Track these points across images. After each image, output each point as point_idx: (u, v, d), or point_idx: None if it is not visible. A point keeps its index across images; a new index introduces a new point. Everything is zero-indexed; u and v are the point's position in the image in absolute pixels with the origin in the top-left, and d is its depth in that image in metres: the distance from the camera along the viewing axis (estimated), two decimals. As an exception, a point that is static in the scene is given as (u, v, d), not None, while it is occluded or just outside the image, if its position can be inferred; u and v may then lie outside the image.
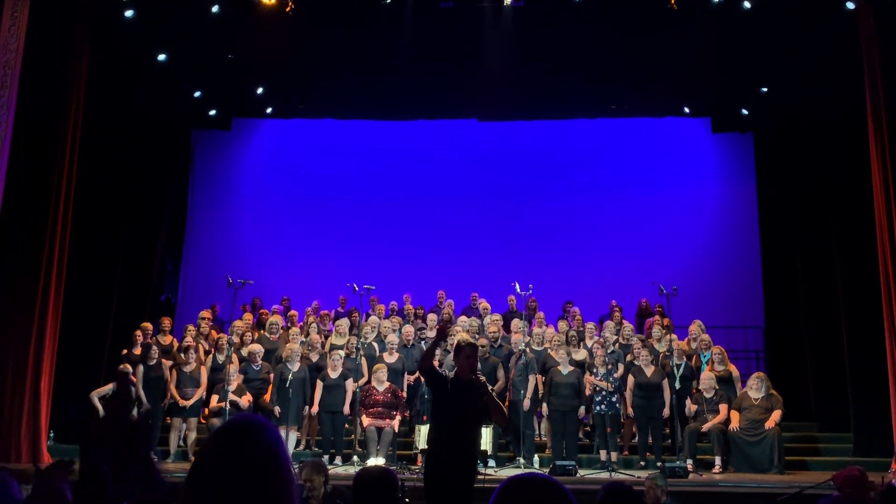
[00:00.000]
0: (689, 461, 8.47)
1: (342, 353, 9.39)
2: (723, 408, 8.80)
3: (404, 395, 9.26)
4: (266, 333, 10.27)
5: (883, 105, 8.36)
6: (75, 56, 9.18)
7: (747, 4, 9.78)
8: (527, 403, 8.84)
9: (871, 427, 8.89)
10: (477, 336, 9.73)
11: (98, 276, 10.40)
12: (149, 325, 10.15)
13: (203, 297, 12.50)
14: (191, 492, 1.38)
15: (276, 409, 8.91)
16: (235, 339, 9.98)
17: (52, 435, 9.17)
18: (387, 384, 9.07)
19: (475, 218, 13.54)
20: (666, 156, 13.65)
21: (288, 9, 10.06)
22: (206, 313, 10.91)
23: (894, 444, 8.15)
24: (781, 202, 11.83)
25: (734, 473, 8.37)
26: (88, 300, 10.13)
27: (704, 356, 9.55)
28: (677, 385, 9.03)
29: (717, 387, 8.99)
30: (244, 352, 9.75)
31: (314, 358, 9.56)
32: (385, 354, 9.55)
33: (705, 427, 8.70)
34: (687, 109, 13.08)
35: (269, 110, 13.52)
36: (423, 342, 9.89)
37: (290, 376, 8.97)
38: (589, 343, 9.85)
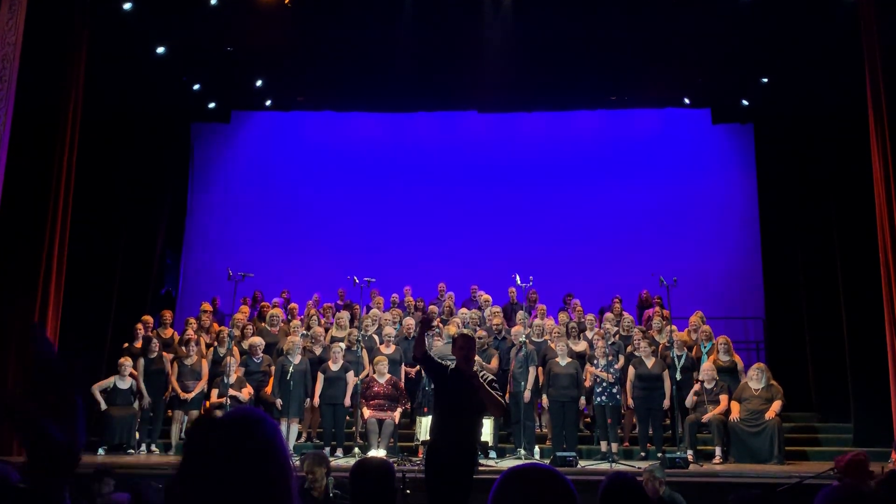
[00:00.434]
0: (690, 452, 8.48)
1: (343, 345, 9.40)
2: (723, 398, 8.81)
3: (404, 385, 9.29)
4: (266, 326, 10.28)
5: (883, 95, 8.34)
6: (74, 49, 9.16)
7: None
8: (527, 395, 8.86)
9: (871, 417, 8.91)
10: (477, 328, 9.76)
11: (98, 269, 10.41)
12: (149, 319, 10.17)
13: (203, 290, 12.50)
14: (186, 484, 1.38)
15: (278, 402, 8.94)
16: (236, 332, 9.99)
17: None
18: (387, 376, 9.09)
19: (475, 210, 13.53)
20: (666, 147, 13.63)
21: (287, 0, 10.03)
22: (207, 306, 10.92)
23: (894, 433, 8.17)
24: (782, 193, 11.82)
25: (734, 464, 8.39)
26: (89, 293, 10.14)
27: (705, 347, 9.55)
28: (678, 376, 9.04)
29: (718, 377, 9.01)
30: (245, 345, 9.76)
31: (317, 351, 9.57)
32: (382, 346, 9.57)
33: (705, 418, 8.72)
34: (687, 100, 13.05)
35: (268, 103, 13.49)
36: (427, 335, 9.88)
37: (291, 369, 8.99)
38: (589, 335, 9.85)
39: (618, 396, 8.87)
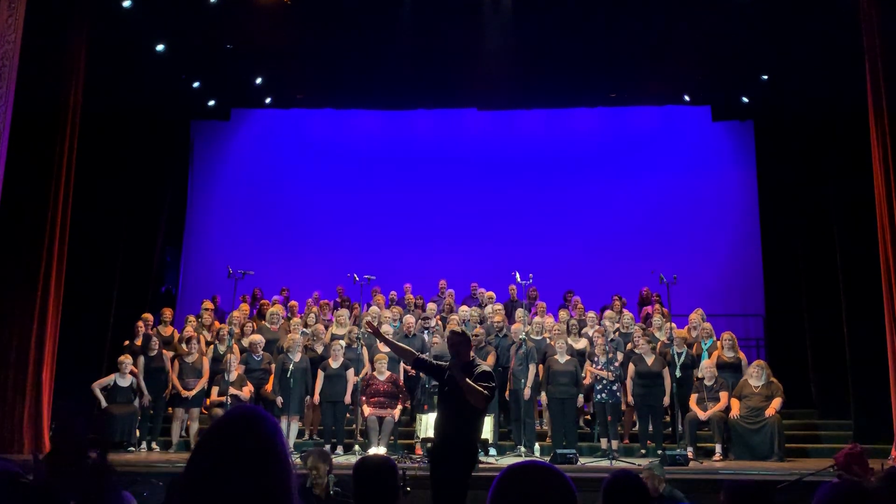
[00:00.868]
0: (690, 449, 8.50)
1: (343, 342, 9.41)
2: (723, 395, 8.82)
3: (404, 383, 9.29)
4: (266, 324, 10.28)
5: (884, 93, 8.32)
6: (73, 47, 9.15)
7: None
8: (527, 392, 8.86)
9: (871, 414, 8.91)
10: (477, 325, 9.77)
11: (99, 267, 10.42)
12: (149, 316, 10.17)
13: (203, 287, 12.50)
14: (189, 483, 1.39)
15: (279, 400, 8.94)
16: (236, 330, 9.99)
17: (53, 426, 9.19)
18: (387, 374, 9.10)
19: (475, 207, 13.53)
20: (666, 144, 13.62)
21: (286, -2, 10.03)
22: (208, 304, 10.93)
23: (894, 430, 8.17)
24: (782, 190, 11.82)
25: (734, 461, 8.40)
26: (89, 291, 10.15)
27: (705, 344, 9.56)
28: (678, 373, 9.05)
29: (721, 373, 9.01)
30: (245, 342, 9.77)
31: (318, 349, 9.57)
32: (381, 344, 9.57)
33: (705, 415, 8.72)
34: (687, 98, 13.04)
35: (267, 100, 13.48)
36: (425, 332, 9.88)
37: (291, 367, 8.99)
38: (590, 332, 9.86)
39: (618, 394, 8.87)
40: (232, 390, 8.97)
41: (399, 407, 9.05)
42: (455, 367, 5.15)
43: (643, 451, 8.92)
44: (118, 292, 10.73)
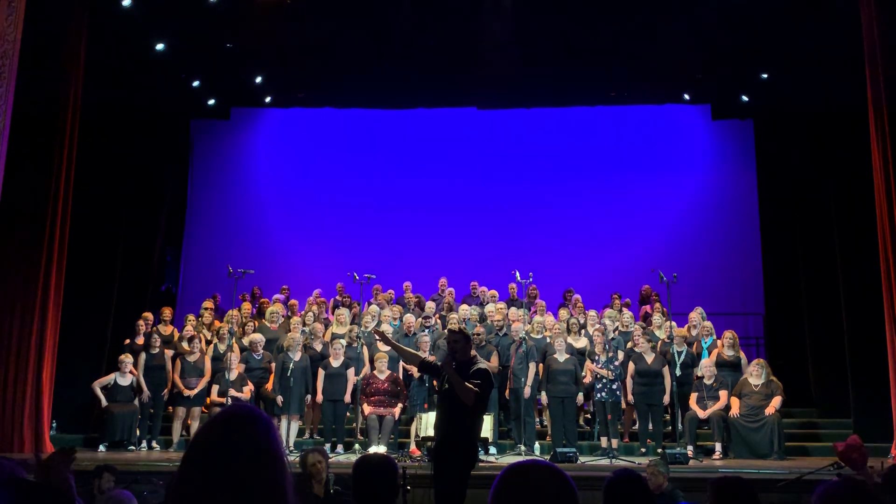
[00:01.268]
0: (690, 447, 8.50)
1: (343, 341, 9.41)
2: (723, 394, 8.82)
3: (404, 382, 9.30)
4: (266, 323, 10.28)
5: (883, 91, 8.32)
6: (73, 46, 9.15)
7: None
8: (527, 391, 8.86)
9: (871, 412, 8.91)
10: (477, 324, 9.77)
11: (99, 266, 10.41)
12: (150, 315, 10.18)
13: (203, 286, 12.50)
14: (183, 482, 1.39)
15: (279, 399, 8.94)
16: (236, 329, 9.99)
17: (54, 424, 9.21)
18: (387, 373, 9.10)
19: (475, 206, 13.52)
20: (666, 143, 13.62)
21: (286, -3, 10.02)
22: (208, 303, 10.92)
23: (894, 429, 8.18)
24: (781, 189, 11.82)
25: (734, 459, 8.40)
26: (89, 290, 10.15)
27: (705, 343, 9.56)
28: (678, 372, 9.05)
29: (720, 372, 9.02)
30: (245, 341, 9.77)
31: (318, 347, 9.57)
32: (379, 343, 9.57)
33: (705, 413, 8.73)
34: (687, 96, 13.05)
35: (268, 99, 13.48)
36: (426, 330, 9.87)
37: (291, 365, 8.99)
38: (590, 330, 9.86)
39: (618, 392, 8.87)
40: (232, 392, 8.96)
41: (399, 405, 9.05)
42: (447, 365, 5.16)
43: (643, 450, 8.92)
44: (118, 291, 10.72)
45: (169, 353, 9.51)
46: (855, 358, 9.39)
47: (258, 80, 12.60)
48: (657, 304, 10.87)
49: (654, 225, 13.18)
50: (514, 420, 9.04)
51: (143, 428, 9.22)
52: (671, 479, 5.60)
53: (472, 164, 13.74)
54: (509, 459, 8.14)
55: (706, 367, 8.98)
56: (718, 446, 8.64)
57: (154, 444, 9.27)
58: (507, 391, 9.20)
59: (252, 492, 1.36)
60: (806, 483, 6.04)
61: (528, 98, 13.18)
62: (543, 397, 9.04)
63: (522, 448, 8.70)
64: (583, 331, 9.98)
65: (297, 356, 9.10)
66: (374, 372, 9.11)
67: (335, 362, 9.15)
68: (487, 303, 10.89)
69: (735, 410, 8.67)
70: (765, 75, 11.75)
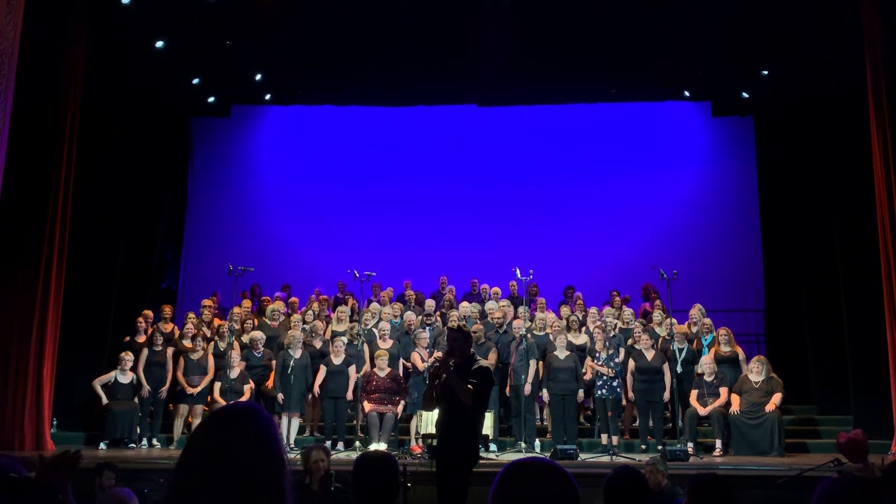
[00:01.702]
0: (690, 444, 8.50)
1: (345, 339, 9.42)
2: (723, 391, 8.82)
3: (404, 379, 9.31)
4: (267, 320, 10.29)
5: (884, 87, 8.31)
6: (73, 43, 9.14)
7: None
8: (528, 388, 8.87)
9: (871, 409, 8.91)
10: (477, 321, 9.77)
11: (99, 264, 10.41)
12: (150, 313, 10.18)
13: (204, 284, 12.51)
14: (183, 478, 1.38)
15: (279, 396, 8.95)
16: (236, 326, 10.00)
17: (55, 422, 9.21)
18: (388, 370, 9.10)
19: (475, 203, 13.52)
20: (666, 140, 13.62)
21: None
22: (208, 302, 10.92)
23: (894, 425, 8.18)
24: (782, 185, 11.80)
25: (735, 456, 8.41)
26: (90, 288, 10.14)
27: (706, 340, 9.56)
28: (679, 369, 9.06)
29: (719, 368, 9.02)
30: (245, 339, 9.77)
31: (318, 345, 9.58)
32: (379, 341, 9.58)
33: (705, 410, 8.73)
34: (687, 93, 13.03)
35: (267, 97, 13.47)
36: (427, 328, 9.87)
37: (291, 363, 9.00)
38: (591, 327, 9.86)
39: (618, 389, 8.87)
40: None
41: (400, 403, 9.06)
42: (445, 364, 5.16)
43: (643, 447, 8.93)
44: (118, 289, 10.72)
45: (169, 350, 9.52)
46: (855, 354, 9.39)
47: (258, 77, 12.59)
48: (657, 301, 10.87)
49: (655, 222, 13.18)
50: (515, 417, 9.05)
51: (143, 426, 9.23)
52: (671, 476, 5.61)
53: (473, 161, 13.74)
54: (510, 456, 8.15)
55: (706, 364, 8.98)
56: (719, 443, 8.65)
57: (154, 441, 9.27)
58: (508, 388, 9.20)
59: (252, 488, 1.36)
60: (806, 480, 6.04)
61: (528, 95, 13.16)
62: (544, 394, 9.04)
63: (523, 445, 8.71)
64: (583, 328, 9.99)
65: (297, 354, 9.10)
66: (375, 369, 9.12)
67: (336, 359, 9.16)
68: (488, 300, 10.89)
69: (735, 407, 8.67)
70: (765, 72, 11.73)
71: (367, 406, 8.87)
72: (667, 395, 8.96)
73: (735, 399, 8.76)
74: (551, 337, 9.28)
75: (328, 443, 8.76)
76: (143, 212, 11.54)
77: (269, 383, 9.24)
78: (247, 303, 11.09)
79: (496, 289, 11.32)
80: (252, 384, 9.16)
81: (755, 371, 8.86)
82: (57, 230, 8.85)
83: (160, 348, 9.41)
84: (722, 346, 9.31)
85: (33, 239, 8.66)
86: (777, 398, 8.63)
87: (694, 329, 9.85)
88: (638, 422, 9.31)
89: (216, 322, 10.47)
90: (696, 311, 10.01)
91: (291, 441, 8.90)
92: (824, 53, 10.14)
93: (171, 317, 10.42)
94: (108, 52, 10.14)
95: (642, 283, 11.97)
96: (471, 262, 12.74)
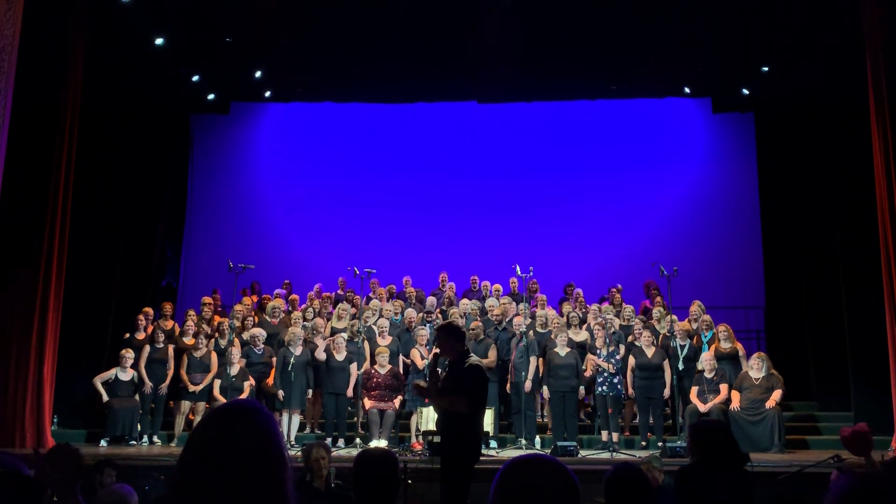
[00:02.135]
0: (690, 441, 8.49)
1: (345, 335, 9.42)
2: (723, 388, 8.83)
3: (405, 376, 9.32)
4: (267, 317, 10.29)
5: (885, 84, 8.31)
6: (72, 41, 9.13)
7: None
8: (528, 385, 8.87)
9: (872, 406, 8.92)
10: (477, 318, 9.77)
11: (99, 261, 10.41)
12: (150, 310, 10.18)
13: (204, 281, 12.50)
14: (183, 475, 1.38)
15: (280, 393, 8.96)
16: (237, 324, 10.00)
17: (56, 419, 9.22)
18: (388, 367, 9.11)
19: (476, 200, 13.52)
20: (667, 136, 13.61)
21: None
22: (208, 299, 10.93)
23: (894, 422, 8.19)
24: (782, 182, 11.80)
25: (735, 453, 8.39)
26: (90, 285, 10.15)
27: (705, 336, 9.56)
28: (680, 366, 9.06)
29: (719, 365, 9.02)
30: (246, 336, 9.78)
31: (318, 342, 9.59)
32: (378, 338, 9.59)
33: (706, 407, 8.73)
34: (687, 90, 13.00)
35: (267, 94, 13.45)
36: (427, 325, 9.88)
37: (292, 360, 9.01)
38: (592, 324, 9.86)
39: (619, 386, 8.88)
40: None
41: (400, 399, 9.07)
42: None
43: (644, 444, 8.94)
44: (119, 286, 10.73)
45: (171, 347, 9.53)
46: (855, 351, 9.40)
47: (258, 74, 12.57)
48: (658, 298, 10.87)
49: (655, 218, 13.18)
50: (515, 414, 9.05)
51: (144, 423, 9.24)
52: (671, 472, 5.61)
53: (473, 158, 13.73)
54: (510, 453, 8.17)
55: (706, 361, 8.98)
56: (719, 440, 8.64)
57: (155, 438, 9.29)
58: (508, 385, 9.21)
59: (253, 485, 1.36)
60: (806, 476, 6.05)
61: (528, 92, 13.14)
62: (545, 391, 9.05)
63: (523, 442, 8.71)
64: (584, 325, 9.99)
65: (297, 351, 9.11)
66: (375, 366, 9.13)
67: (338, 356, 9.16)
68: (489, 297, 10.89)
69: (735, 404, 8.67)
70: (766, 68, 11.71)
71: (368, 403, 8.88)
72: (667, 392, 8.97)
73: (735, 395, 8.76)
74: (552, 334, 9.29)
75: (328, 440, 8.77)
76: (143, 209, 11.54)
77: (270, 380, 9.25)
78: (247, 299, 11.09)
79: (496, 286, 11.31)
80: (252, 381, 9.16)
81: (755, 368, 8.86)
82: (57, 227, 8.84)
83: (162, 345, 9.42)
84: (722, 342, 9.31)
85: (33, 236, 8.66)
86: (777, 395, 8.64)
87: (694, 325, 9.85)
88: (638, 418, 9.32)
89: (216, 319, 10.47)
90: (695, 307, 10.01)
91: (292, 438, 8.91)
92: (825, 50, 10.13)
93: (171, 314, 10.42)
94: (108, 50, 10.13)
95: (643, 279, 11.96)
96: (471, 259, 12.73)
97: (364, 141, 13.92)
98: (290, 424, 8.96)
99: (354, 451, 8.13)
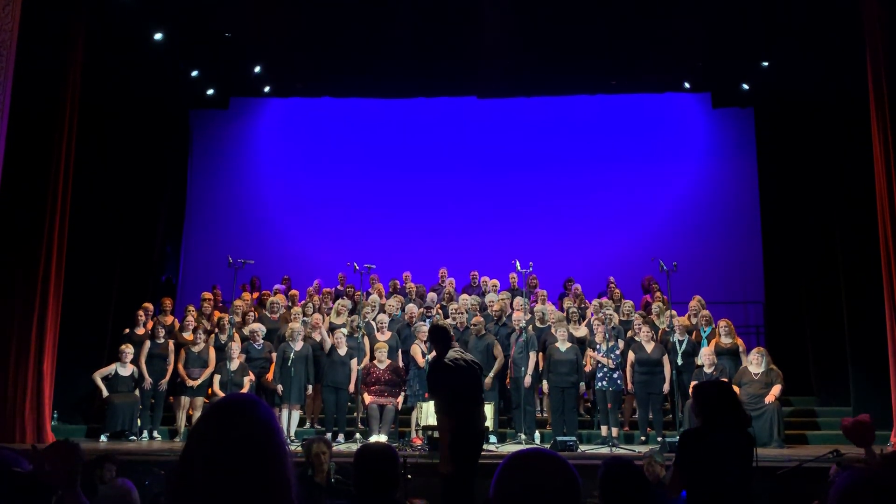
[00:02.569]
0: (690, 436, 8.50)
1: (345, 331, 9.42)
2: (723, 383, 8.82)
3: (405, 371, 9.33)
4: (267, 313, 10.29)
5: (884, 80, 8.30)
6: (71, 36, 9.11)
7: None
8: (528, 380, 8.88)
9: (871, 401, 8.92)
10: (476, 314, 9.77)
11: (99, 257, 10.41)
12: (150, 306, 10.18)
13: (203, 277, 12.49)
14: (184, 470, 1.38)
15: (279, 388, 8.96)
16: (237, 319, 10.00)
17: (56, 415, 9.23)
18: (388, 362, 9.12)
19: (475, 195, 13.51)
20: (666, 131, 13.59)
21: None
22: (207, 295, 10.93)
23: (893, 417, 8.20)
24: (782, 177, 11.79)
25: (734, 448, 8.40)
26: (90, 281, 10.15)
27: (705, 332, 9.56)
28: (679, 361, 9.06)
29: (719, 360, 9.02)
30: (245, 331, 9.78)
31: (317, 337, 9.59)
32: (377, 333, 9.59)
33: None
34: (687, 85, 12.99)
35: (267, 89, 13.43)
36: (427, 321, 9.87)
37: (291, 355, 9.01)
38: (591, 319, 9.86)
39: (619, 381, 8.89)
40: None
41: (400, 395, 9.07)
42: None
43: (643, 438, 8.95)
44: (119, 282, 10.73)
45: (171, 343, 9.53)
46: (855, 346, 9.41)
47: (257, 69, 12.55)
48: (657, 293, 10.87)
49: (655, 213, 13.18)
50: (515, 409, 9.06)
51: (144, 418, 9.24)
52: (669, 467, 5.62)
53: (473, 153, 13.72)
54: (510, 448, 8.16)
55: (706, 356, 8.98)
56: (718, 435, 8.65)
57: (155, 434, 9.29)
58: (508, 380, 9.22)
59: (254, 480, 1.36)
60: (805, 471, 6.05)
61: (528, 87, 13.13)
62: (544, 386, 9.05)
63: (523, 437, 8.72)
64: (583, 320, 9.99)
65: (297, 346, 9.11)
66: (375, 361, 9.13)
67: (340, 350, 9.17)
68: (488, 292, 10.89)
69: (735, 399, 8.66)
70: (765, 64, 11.70)
71: (368, 398, 8.88)
72: (666, 387, 8.97)
73: (735, 390, 8.74)
74: (552, 329, 9.29)
75: (328, 435, 8.78)
76: (142, 205, 11.54)
77: (270, 376, 9.25)
78: (247, 295, 11.08)
79: (496, 281, 11.31)
80: (252, 376, 9.16)
81: (755, 363, 8.86)
82: (57, 223, 8.84)
83: (162, 341, 9.42)
84: (722, 337, 9.31)
85: (33, 232, 8.66)
86: (777, 390, 8.64)
87: (694, 321, 9.85)
88: (637, 413, 9.33)
89: (216, 315, 10.47)
90: (695, 302, 10.01)
91: (292, 433, 8.92)
92: (825, 45, 10.11)
93: (171, 309, 10.42)
94: (107, 45, 10.11)
95: (642, 275, 11.95)
96: (470, 255, 12.73)
97: (364, 136, 13.91)
98: (289, 420, 8.97)
99: (354, 447, 8.14)
